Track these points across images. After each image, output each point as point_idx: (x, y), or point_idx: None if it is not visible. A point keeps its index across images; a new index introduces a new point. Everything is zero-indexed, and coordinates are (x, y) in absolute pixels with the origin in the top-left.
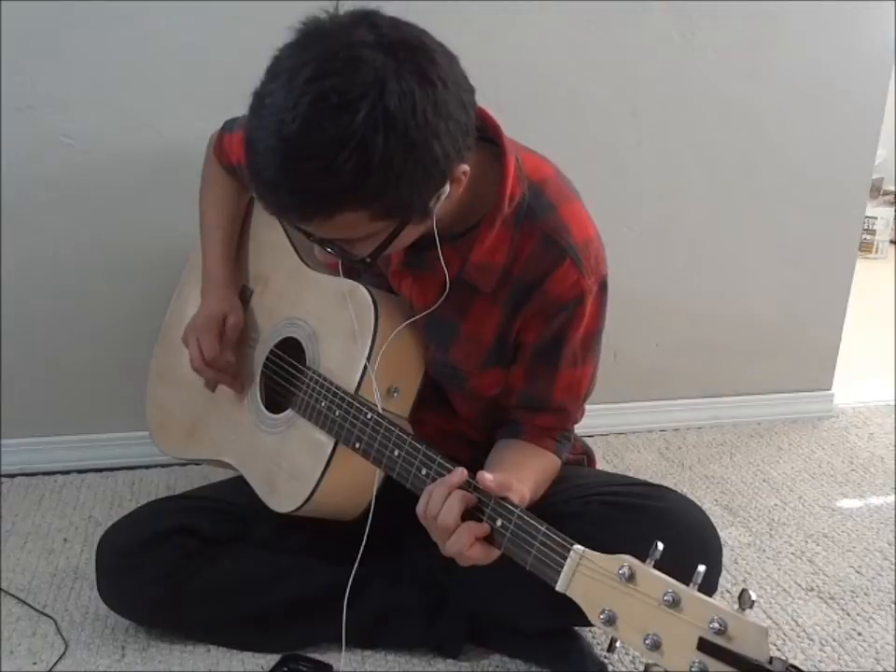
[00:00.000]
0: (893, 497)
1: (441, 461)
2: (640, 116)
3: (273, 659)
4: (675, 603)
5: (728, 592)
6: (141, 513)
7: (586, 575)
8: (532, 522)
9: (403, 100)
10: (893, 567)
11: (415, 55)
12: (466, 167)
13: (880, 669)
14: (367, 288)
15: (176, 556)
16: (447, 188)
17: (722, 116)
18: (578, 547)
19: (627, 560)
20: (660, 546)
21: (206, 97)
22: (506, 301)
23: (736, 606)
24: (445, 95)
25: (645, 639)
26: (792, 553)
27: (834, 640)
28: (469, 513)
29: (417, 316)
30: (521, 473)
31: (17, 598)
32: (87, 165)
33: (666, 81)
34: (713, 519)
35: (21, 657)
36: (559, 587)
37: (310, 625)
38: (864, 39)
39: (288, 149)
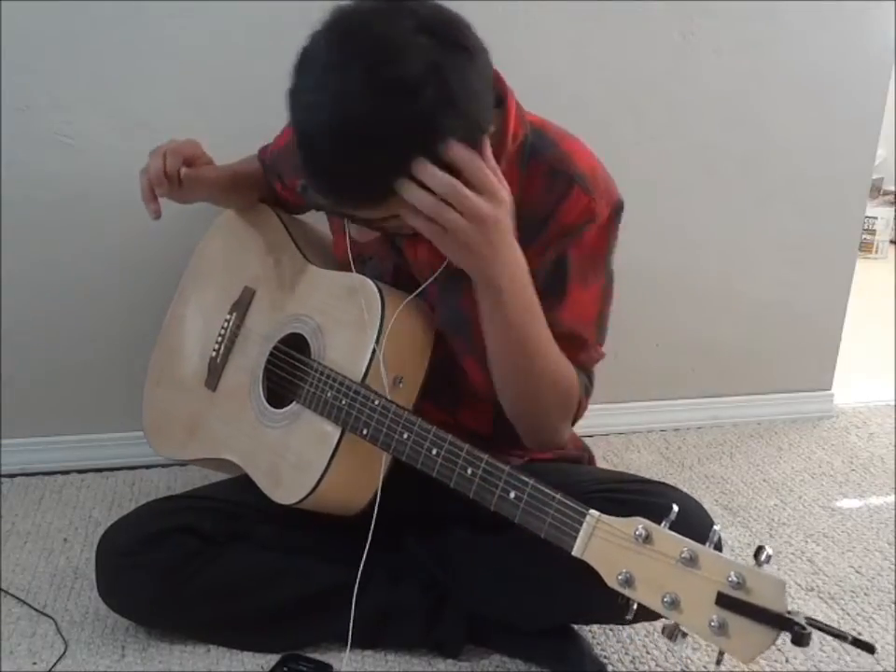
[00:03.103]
0: (893, 496)
1: (453, 440)
2: (640, 116)
3: (273, 659)
4: (692, 560)
5: None
6: (141, 513)
7: (602, 538)
8: (546, 490)
9: (458, 75)
10: (893, 566)
11: (452, 28)
12: (493, 128)
13: (880, 669)
14: (373, 281)
15: (177, 556)
16: None
17: (722, 116)
18: (594, 511)
19: (643, 522)
20: (675, 508)
21: (206, 97)
22: (517, 238)
23: (753, 563)
24: (480, 61)
25: (664, 598)
26: (792, 553)
27: (835, 640)
28: (484, 486)
29: (428, 281)
30: None
31: (17, 598)
32: (87, 165)
33: (666, 81)
34: (713, 519)
35: (21, 657)
36: (575, 552)
37: (310, 625)
38: (864, 39)
39: (354, 135)
